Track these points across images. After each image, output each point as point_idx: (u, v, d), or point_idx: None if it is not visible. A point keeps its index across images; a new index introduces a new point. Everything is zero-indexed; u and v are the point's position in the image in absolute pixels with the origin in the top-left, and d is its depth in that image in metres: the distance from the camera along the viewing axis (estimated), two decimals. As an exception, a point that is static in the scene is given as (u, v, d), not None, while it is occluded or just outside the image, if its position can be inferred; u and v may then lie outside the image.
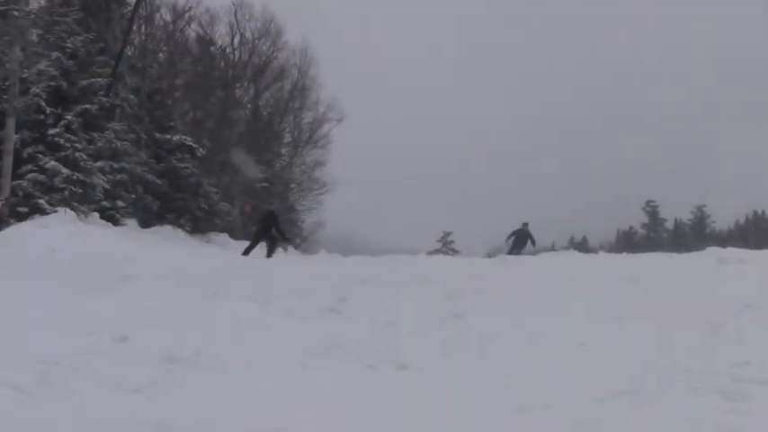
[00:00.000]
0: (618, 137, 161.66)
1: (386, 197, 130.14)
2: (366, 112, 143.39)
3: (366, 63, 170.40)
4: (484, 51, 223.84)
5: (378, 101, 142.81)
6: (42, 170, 29.06)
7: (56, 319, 12.25)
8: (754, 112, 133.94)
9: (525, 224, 36.11)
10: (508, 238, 35.73)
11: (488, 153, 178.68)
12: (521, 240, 35.40)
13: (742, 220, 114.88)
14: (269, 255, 28.20)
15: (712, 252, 20.79)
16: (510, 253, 32.57)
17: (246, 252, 27.77)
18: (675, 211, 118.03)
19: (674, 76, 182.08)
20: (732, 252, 20.28)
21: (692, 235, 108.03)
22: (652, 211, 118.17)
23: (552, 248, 47.74)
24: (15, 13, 30.84)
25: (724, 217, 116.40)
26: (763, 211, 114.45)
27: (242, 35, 53.31)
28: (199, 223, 36.30)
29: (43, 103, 30.18)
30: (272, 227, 29.09)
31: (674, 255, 23.64)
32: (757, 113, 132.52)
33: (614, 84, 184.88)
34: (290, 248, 41.53)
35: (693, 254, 21.89)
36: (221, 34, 52.73)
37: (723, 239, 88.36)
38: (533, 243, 35.87)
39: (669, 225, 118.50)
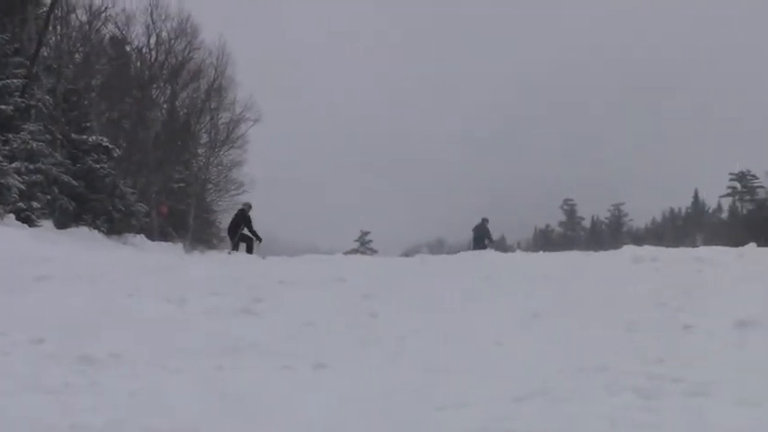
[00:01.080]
0: (537, 135, 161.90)
1: (304, 198, 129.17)
2: (286, 112, 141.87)
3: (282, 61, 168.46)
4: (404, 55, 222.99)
5: (297, 103, 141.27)
6: (-43, 171, 28.90)
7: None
8: (673, 113, 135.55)
9: (485, 219, 36.56)
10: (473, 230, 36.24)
11: (406, 154, 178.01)
12: (480, 236, 35.81)
13: (659, 218, 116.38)
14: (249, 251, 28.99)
15: (628, 250, 20.86)
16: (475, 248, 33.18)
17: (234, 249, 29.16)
18: (593, 209, 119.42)
19: (594, 76, 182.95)
20: (648, 250, 20.46)
21: (609, 233, 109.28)
22: (569, 209, 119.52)
23: (470, 246, 48.37)
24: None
25: (641, 215, 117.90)
26: (680, 209, 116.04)
27: (158, 35, 52.87)
28: (115, 224, 36.03)
29: (-45, 104, 29.98)
30: (241, 227, 29.57)
31: (590, 253, 23.78)
32: (677, 116, 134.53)
33: (533, 83, 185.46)
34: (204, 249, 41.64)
35: (610, 252, 22.06)
36: (137, 34, 52.36)
37: (640, 237, 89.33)
38: (490, 240, 36.28)
39: (586, 223, 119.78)
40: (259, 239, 29.87)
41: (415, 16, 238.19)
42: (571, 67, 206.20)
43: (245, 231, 29.63)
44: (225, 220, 59.38)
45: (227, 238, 30.98)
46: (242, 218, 30.16)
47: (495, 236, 42.28)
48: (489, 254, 27.46)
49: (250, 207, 32.10)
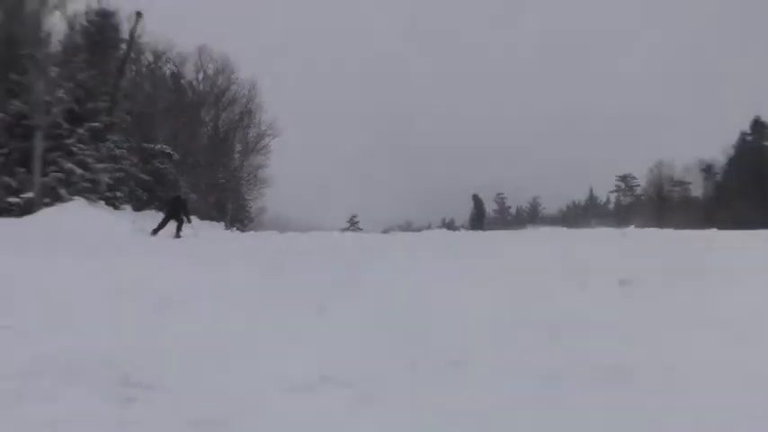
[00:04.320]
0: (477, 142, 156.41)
1: (310, 186, 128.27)
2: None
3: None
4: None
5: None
6: (62, 170, 28.91)
7: (67, 272, 12.43)
8: (578, 128, 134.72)
9: (475, 195, 30.17)
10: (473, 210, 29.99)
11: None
12: (479, 210, 29.86)
13: (564, 208, 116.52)
14: (177, 234, 25.75)
15: (542, 230, 21.05)
16: (474, 225, 28.91)
17: (155, 232, 25.46)
18: (517, 200, 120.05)
19: (520, 77, 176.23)
20: (558, 230, 20.67)
21: (529, 218, 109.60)
22: (501, 201, 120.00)
23: (428, 227, 48.10)
24: (40, 55, 30.67)
25: (552, 205, 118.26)
26: (580, 201, 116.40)
27: (205, 72, 53.10)
28: (162, 206, 36.08)
29: (61, 121, 29.97)
30: (180, 210, 26.39)
31: (514, 231, 23.97)
32: (583, 119, 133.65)
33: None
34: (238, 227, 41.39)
35: (528, 230, 22.01)
36: (189, 71, 52.46)
37: (551, 221, 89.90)
38: (483, 213, 30.56)
39: (513, 211, 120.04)
40: (190, 222, 26.74)
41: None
42: (499, 68, 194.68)
43: (181, 215, 26.40)
44: (254, 207, 59.94)
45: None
46: (180, 203, 26.95)
47: (448, 219, 39.94)
48: (441, 231, 26.72)
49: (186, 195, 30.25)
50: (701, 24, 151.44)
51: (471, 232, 27.47)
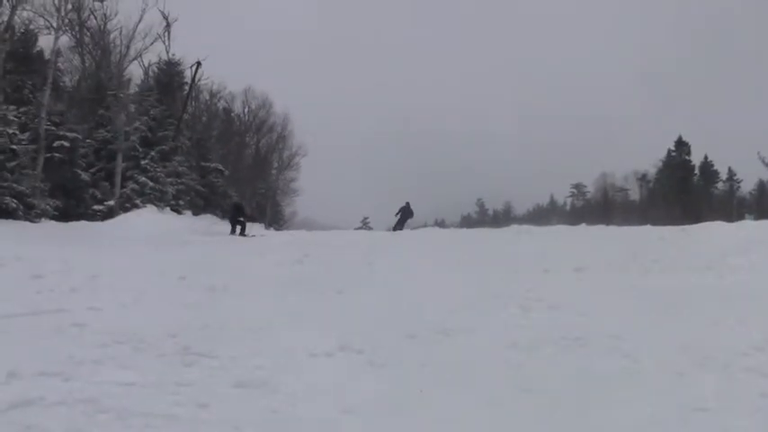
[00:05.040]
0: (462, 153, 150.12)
1: (331, 193, 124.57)
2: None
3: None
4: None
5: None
6: (138, 183, 29.00)
7: (140, 265, 12.46)
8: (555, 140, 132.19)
9: (407, 203, 28.12)
10: (396, 214, 28.26)
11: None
12: (404, 216, 28.05)
13: (531, 209, 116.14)
14: (242, 233, 24.48)
15: (514, 228, 20.75)
16: (395, 227, 27.72)
17: (232, 232, 24.53)
18: (493, 203, 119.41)
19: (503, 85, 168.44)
20: (527, 227, 20.42)
21: (503, 218, 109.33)
22: (481, 204, 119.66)
23: (424, 225, 48.10)
24: (121, 95, 30.80)
25: (521, 207, 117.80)
26: (543, 204, 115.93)
27: (249, 106, 53.25)
28: (226, 213, 36.18)
29: (137, 145, 30.07)
30: (241, 214, 25.17)
31: (492, 229, 23.85)
32: (550, 142, 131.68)
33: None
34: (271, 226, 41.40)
35: (503, 228, 21.90)
36: (237, 106, 52.57)
37: (521, 220, 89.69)
38: (411, 215, 28.32)
39: (490, 212, 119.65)
40: (254, 218, 25.27)
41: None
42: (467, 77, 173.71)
43: (242, 218, 25.25)
44: (287, 211, 60.01)
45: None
46: (239, 209, 26.09)
47: (439, 219, 38.85)
48: (435, 230, 26.15)
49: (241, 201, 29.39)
50: (650, 51, 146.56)
51: (454, 230, 27.29)
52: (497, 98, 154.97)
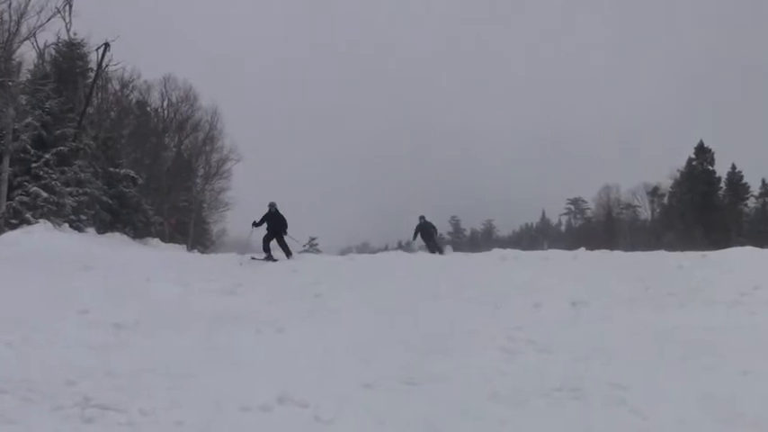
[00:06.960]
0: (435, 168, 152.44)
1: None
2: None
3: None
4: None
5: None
6: (28, 193, 28.58)
7: (37, 295, 12.23)
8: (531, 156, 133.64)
9: (422, 217, 27.49)
10: (414, 235, 27.42)
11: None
12: (426, 233, 27.12)
13: (517, 230, 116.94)
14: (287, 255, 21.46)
15: (497, 252, 20.67)
16: (431, 250, 26.44)
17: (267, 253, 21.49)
18: (471, 223, 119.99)
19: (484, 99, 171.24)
20: (510, 251, 20.41)
21: (483, 240, 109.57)
22: (456, 223, 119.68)
23: (385, 249, 47.32)
24: (9, 83, 30.38)
25: (505, 227, 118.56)
26: (533, 224, 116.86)
27: (169, 99, 52.90)
28: (138, 231, 35.74)
29: (29, 146, 29.67)
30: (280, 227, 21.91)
31: (469, 254, 23.78)
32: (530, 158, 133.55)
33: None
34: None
35: (484, 253, 21.87)
36: (155, 99, 52.18)
37: (504, 243, 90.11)
38: (436, 231, 28.13)
39: (467, 233, 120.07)
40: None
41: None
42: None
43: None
44: (215, 230, 59.59)
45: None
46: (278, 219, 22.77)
47: (404, 241, 37.69)
48: (398, 254, 25.82)
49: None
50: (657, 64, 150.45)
51: (422, 254, 26.82)
52: (480, 102, 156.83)
